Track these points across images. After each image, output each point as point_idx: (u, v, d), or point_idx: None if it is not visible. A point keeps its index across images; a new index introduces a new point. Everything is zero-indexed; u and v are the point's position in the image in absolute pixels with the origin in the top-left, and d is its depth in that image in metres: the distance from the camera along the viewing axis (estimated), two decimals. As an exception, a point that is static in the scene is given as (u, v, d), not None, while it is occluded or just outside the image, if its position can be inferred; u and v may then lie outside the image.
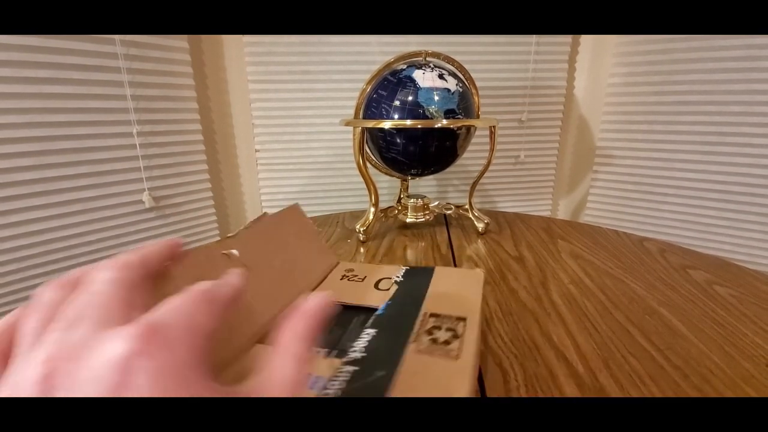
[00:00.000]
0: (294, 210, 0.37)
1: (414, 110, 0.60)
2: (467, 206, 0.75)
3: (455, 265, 0.58)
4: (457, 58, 0.69)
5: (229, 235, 0.30)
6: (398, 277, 0.36)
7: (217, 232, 0.92)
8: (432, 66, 0.63)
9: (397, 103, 0.61)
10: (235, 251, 0.28)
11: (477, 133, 0.70)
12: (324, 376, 0.22)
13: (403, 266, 0.38)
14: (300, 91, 0.89)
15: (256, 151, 0.93)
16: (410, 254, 0.62)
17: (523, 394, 0.32)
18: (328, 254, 0.39)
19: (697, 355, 0.38)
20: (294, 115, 0.91)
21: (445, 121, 0.60)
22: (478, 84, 0.71)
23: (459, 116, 0.62)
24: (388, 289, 0.33)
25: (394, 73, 0.64)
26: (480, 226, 0.71)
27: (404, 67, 0.64)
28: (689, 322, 0.43)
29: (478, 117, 0.70)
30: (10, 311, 0.63)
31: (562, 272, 0.56)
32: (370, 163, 0.78)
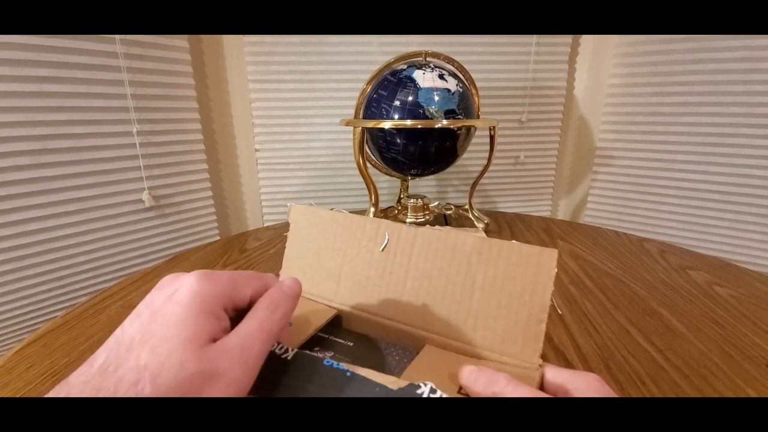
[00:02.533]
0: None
1: (414, 110, 0.60)
2: (467, 206, 0.75)
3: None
4: (457, 58, 0.69)
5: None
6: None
7: (217, 231, 0.92)
8: (432, 66, 0.63)
9: (397, 103, 0.61)
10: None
11: (477, 133, 0.70)
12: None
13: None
14: (300, 91, 0.89)
15: (256, 150, 0.93)
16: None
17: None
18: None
19: (697, 356, 0.38)
20: (294, 115, 0.91)
21: (445, 122, 0.60)
22: (478, 84, 0.71)
23: (459, 116, 0.62)
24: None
25: (395, 73, 0.64)
26: (480, 226, 0.71)
27: (404, 67, 0.64)
28: (689, 322, 0.43)
29: (478, 117, 0.70)
30: (9, 311, 0.63)
31: (562, 272, 0.56)
32: (370, 163, 0.78)
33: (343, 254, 0.33)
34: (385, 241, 0.32)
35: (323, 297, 0.34)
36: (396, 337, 0.31)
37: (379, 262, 0.32)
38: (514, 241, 0.27)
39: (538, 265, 0.26)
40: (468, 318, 0.28)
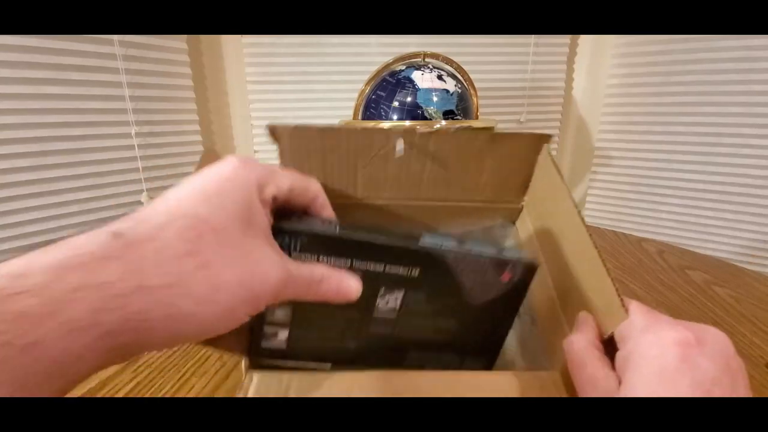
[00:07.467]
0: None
1: (413, 111, 0.60)
2: (466, 207, 0.75)
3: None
4: (456, 58, 0.69)
5: None
6: None
7: (216, 233, 0.92)
8: (431, 67, 0.63)
9: (396, 103, 0.61)
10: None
11: (476, 133, 0.70)
12: None
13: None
14: (299, 92, 0.89)
15: (255, 152, 0.93)
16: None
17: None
18: None
19: (696, 356, 0.37)
20: (293, 115, 0.91)
21: (443, 122, 0.60)
22: (476, 85, 0.71)
23: (458, 117, 0.62)
24: None
25: (393, 74, 0.64)
26: (479, 226, 0.71)
27: (403, 68, 0.64)
28: (688, 322, 0.43)
29: (476, 118, 0.70)
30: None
31: (561, 273, 0.56)
32: (369, 164, 0.78)
33: (354, 164, 0.35)
34: (401, 147, 0.34)
35: (342, 195, 0.35)
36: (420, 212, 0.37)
37: (395, 162, 0.34)
38: (519, 131, 0.30)
39: (538, 145, 0.33)
40: (477, 186, 0.35)
